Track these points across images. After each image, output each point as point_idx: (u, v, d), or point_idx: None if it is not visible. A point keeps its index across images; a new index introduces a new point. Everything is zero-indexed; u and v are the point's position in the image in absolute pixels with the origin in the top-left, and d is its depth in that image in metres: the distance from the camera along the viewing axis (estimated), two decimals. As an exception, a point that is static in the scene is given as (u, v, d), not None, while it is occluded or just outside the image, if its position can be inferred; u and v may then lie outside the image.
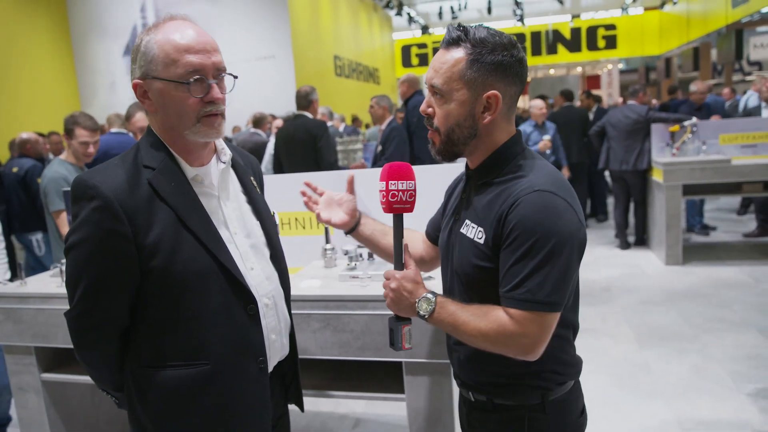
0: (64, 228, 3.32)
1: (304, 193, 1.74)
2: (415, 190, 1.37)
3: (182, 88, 1.32)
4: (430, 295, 1.32)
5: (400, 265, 1.38)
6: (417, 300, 1.32)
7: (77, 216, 1.32)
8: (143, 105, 1.40)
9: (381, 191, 1.37)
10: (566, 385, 1.39)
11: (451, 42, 1.29)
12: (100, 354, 1.41)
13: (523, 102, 17.23)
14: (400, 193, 1.35)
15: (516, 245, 1.22)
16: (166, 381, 1.37)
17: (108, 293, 1.34)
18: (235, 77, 1.41)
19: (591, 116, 8.16)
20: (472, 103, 1.29)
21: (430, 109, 1.34)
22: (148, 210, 1.31)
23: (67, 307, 2.39)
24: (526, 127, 6.55)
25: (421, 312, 1.32)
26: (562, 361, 1.37)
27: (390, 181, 1.35)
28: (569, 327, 1.39)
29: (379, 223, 1.72)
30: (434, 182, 2.44)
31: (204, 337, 1.37)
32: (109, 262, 1.31)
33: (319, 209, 1.70)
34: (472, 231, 1.33)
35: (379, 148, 5.10)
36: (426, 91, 1.40)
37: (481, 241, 1.30)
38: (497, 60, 1.27)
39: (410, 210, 1.38)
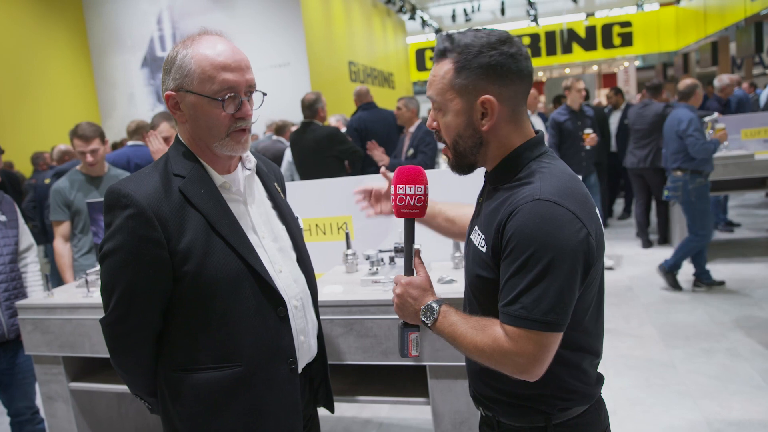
0: (56, 241, 3.39)
1: (360, 200, 1.76)
2: (425, 195, 1.34)
3: (216, 104, 1.36)
4: (434, 304, 1.28)
5: (410, 270, 1.35)
6: (422, 307, 1.30)
7: (111, 224, 1.36)
8: (173, 116, 1.43)
9: (391, 194, 1.37)
10: (573, 410, 1.28)
11: (440, 54, 1.25)
12: (135, 359, 1.44)
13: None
14: (408, 197, 1.33)
15: (513, 257, 1.15)
16: (199, 384, 1.40)
17: (143, 299, 1.37)
18: (264, 94, 1.45)
19: (620, 113, 8.01)
20: (468, 112, 1.23)
21: (435, 123, 1.30)
22: (179, 216, 1.35)
23: (96, 315, 2.43)
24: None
25: (424, 320, 1.29)
26: (567, 389, 1.26)
27: (398, 185, 1.34)
28: (582, 351, 1.28)
29: (432, 202, 1.59)
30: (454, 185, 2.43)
31: (236, 340, 1.40)
32: (143, 268, 1.34)
33: (372, 206, 1.74)
34: (478, 238, 1.28)
35: (411, 151, 5.09)
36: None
37: (483, 250, 1.24)
38: (485, 62, 1.19)
39: (420, 215, 1.35)
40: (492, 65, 1.20)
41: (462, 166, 1.30)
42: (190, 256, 1.35)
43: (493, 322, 1.21)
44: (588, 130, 5.75)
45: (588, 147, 5.71)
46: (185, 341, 1.41)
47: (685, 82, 5.00)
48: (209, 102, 1.35)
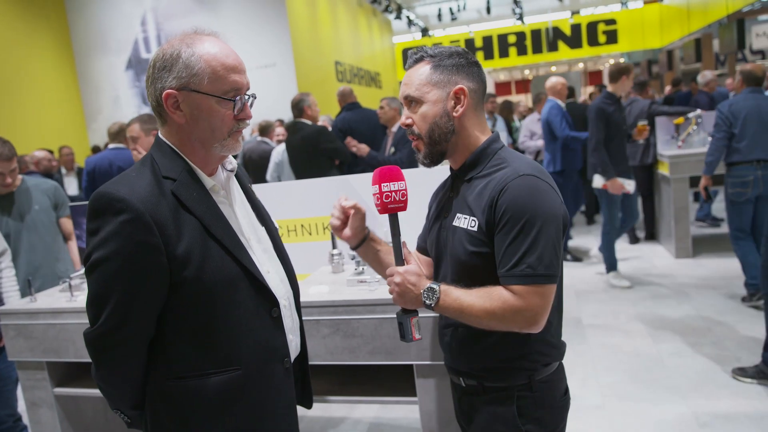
0: None
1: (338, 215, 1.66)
2: (406, 190, 1.45)
3: (226, 104, 1.36)
4: (434, 285, 1.41)
5: (400, 261, 1.46)
6: (422, 291, 1.41)
7: (99, 230, 1.28)
8: (171, 115, 1.37)
9: (375, 194, 1.45)
10: (551, 366, 1.49)
11: (414, 61, 1.50)
12: (124, 371, 1.39)
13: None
14: (393, 193, 1.43)
15: (509, 227, 1.35)
16: (197, 391, 1.37)
17: (140, 307, 1.32)
18: (255, 97, 1.45)
19: None
20: (444, 101, 1.45)
21: (409, 120, 1.49)
22: (175, 220, 1.32)
23: (79, 320, 2.39)
24: None
25: (428, 301, 1.40)
26: (549, 343, 1.48)
27: (383, 184, 1.44)
28: (556, 311, 1.48)
29: (386, 245, 1.69)
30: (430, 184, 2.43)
31: (235, 344, 1.38)
32: (141, 276, 1.29)
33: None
34: (465, 221, 1.45)
35: (392, 150, 5.10)
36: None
37: (474, 229, 1.42)
38: (455, 62, 1.46)
39: (404, 209, 1.46)
40: (461, 65, 1.47)
41: (434, 154, 1.49)
42: (189, 261, 1.31)
43: (496, 288, 1.38)
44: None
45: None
46: (183, 348, 1.37)
47: None
48: (218, 102, 1.34)
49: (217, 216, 1.39)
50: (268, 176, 5.79)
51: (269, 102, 9.10)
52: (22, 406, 2.82)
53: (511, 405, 1.47)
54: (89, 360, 2.52)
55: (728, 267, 5.27)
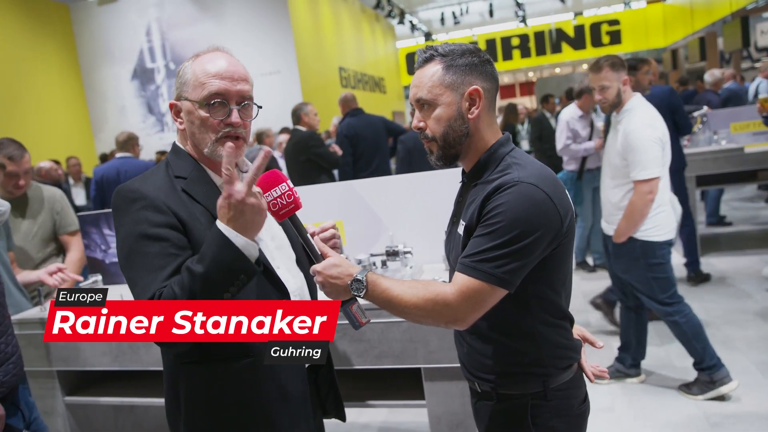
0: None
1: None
2: (291, 189, 1.38)
3: (204, 109, 1.43)
4: (359, 276, 1.35)
5: (318, 258, 1.40)
6: (349, 283, 1.35)
7: (122, 221, 1.38)
8: (176, 122, 1.51)
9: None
10: (567, 372, 1.44)
11: (424, 61, 1.41)
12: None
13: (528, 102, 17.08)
14: (278, 199, 1.37)
15: (486, 225, 1.30)
16: (210, 377, 1.43)
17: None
18: (260, 107, 1.52)
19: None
20: (458, 103, 1.38)
21: (421, 123, 1.42)
22: (187, 210, 1.42)
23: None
24: None
25: (355, 293, 1.35)
26: (562, 345, 1.44)
27: (264, 195, 1.37)
28: (566, 318, 1.46)
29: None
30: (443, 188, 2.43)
31: None
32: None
33: None
34: (461, 228, 1.40)
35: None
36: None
37: (462, 235, 1.37)
38: (468, 61, 1.38)
39: (297, 207, 1.39)
40: (475, 64, 1.39)
41: (449, 157, 1.43)
42: (201, 245, 1.37)
43: (435, 281, 1.36)
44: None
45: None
46: None
47: None
48: (199, 107, 1.43)
49: None
50: None
51: (273, 109, 9.15)
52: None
53: (525, 414, 1.42)
54: (99, 368, 2.54)
55: (736, 266, 5.24)
